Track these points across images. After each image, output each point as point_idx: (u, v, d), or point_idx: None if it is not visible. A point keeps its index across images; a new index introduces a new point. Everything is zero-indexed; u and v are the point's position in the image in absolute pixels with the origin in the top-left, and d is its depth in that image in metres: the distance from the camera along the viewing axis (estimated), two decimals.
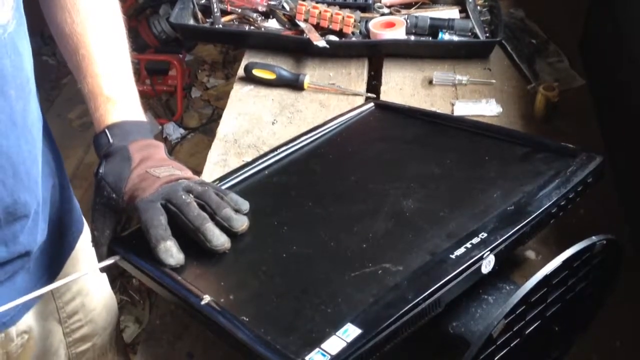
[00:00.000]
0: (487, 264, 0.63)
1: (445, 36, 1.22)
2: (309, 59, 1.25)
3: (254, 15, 1.30)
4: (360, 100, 1.15)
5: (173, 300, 0.68)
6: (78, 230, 0.94)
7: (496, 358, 0.59)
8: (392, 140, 0.94)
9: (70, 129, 2.56)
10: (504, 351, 0.60)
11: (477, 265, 0.63)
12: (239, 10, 1.30)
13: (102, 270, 0.76)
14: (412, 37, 1.24)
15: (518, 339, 0.60)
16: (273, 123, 1.12)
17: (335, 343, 0.56)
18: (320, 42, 1.20)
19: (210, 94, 2.74)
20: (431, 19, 1.24)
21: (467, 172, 0.81)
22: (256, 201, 0.77)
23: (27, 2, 0.71)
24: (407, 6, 1.31)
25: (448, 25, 1.23)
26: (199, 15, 1.31)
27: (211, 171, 1.02)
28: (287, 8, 1.29)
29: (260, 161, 0.90)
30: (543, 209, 0.69)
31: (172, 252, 0.69)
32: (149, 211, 0.70)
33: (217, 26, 1.29)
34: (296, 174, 0.89)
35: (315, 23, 1.24)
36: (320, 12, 1.24)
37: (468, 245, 0.64)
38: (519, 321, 0.59)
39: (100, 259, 0.76)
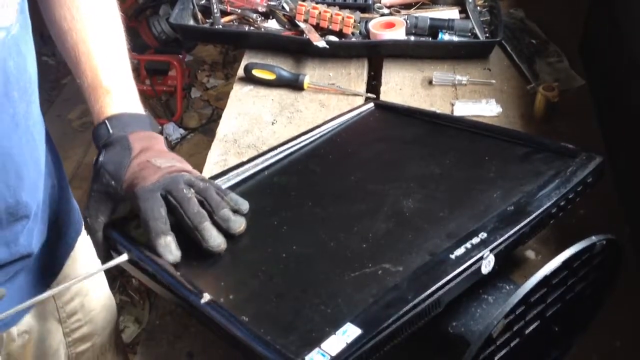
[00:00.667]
0: (487, 264, 0.63)
1: (445, 36, 1.22)
2: (308, 59, 1.25)
3: (254, 15, 1.30)
4: (360, 100, 1.15)
5: (173, 299, 0.68)
6: (77, 231, 0.94)
7: (496, 358, 0.59)
8: (392, 141, 0.94)
9: (70, 129, 2.56)
10: (504, 351, 0.60)
11: (477, 266, 0.63)
12: (239, 11, 1.30)
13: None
14: (412, 38, 1.24)
15: (518, 339, 0.60)
16: (273, 123, 1.12)
17: (335, 343, 0.56)
18: (320, 43, 1.20)
19: (210, 94, 2.75)
20: (431, 19, 1.24)
21: (467, 172, 0.81)
22: (256, 201, 0.77)
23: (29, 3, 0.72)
24: (407, 6, 1.31)
25: (448, 25, 1.23)
26: (199, 15, 1.31)
27: (211, 171, 1.02)
28: (287, 8, 1.29)
29: (259, 160, 0.90)
30: (543, 209, 0.69)
31: (171, 248, 0.69)
32: (149, 200, 0.70)
33: (217, 26, 1.29)
34: (296, 174, 0.89)
35: (315, 23, 1.24)
36: (320, 13, 1.24)
37: (468, 245, 0.64)
38: (519, 321, 0.59)
39: (97, 246, 0.76)
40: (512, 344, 0.60)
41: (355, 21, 1.23)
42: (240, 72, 1.23)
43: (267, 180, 0.87)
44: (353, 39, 1.24)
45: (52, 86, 2.80)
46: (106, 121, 0.78)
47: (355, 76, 1.21)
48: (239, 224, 0.72)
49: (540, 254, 0.84)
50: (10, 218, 0.74)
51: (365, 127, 0.99)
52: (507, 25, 1.27)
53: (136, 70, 2.42)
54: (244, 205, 0.75)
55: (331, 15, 1.23)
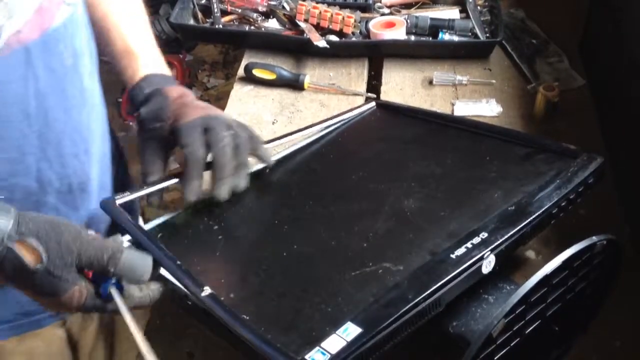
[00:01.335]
0: (488, 264, 0.63)
1: (445, 36, 1.22)
2: (309, 59, 1.25)
3: (254, 15, 1.30)
4: (360, 100, 1.15)
5: (174, 298, 0.68)
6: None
7: (496, 357, 0.59)
8: (393, 140, 0.94)
9: None
10: (504, 351, 0.60)
11: (477, 265, 0.63)
12: (239, 10, 1.30)
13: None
14: (412, 37, 1.24)
15: (518, 339, 0.60)
16: (273, 123, 1.12)
17: (335, 342, 0.56)
18: (321, 42, 1.20)
19: (211, 94, 2.74)
20: (431, 19, 1.24)
21: (468, 172, 0.81)
22: (257, 200, 0.77)
23: None
24: (408, 6, 1.32)
25: (448, 25, 1.23)
26: (199, 15, 1.31)
27: None
28: (287, 8, 1.29)
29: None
30: (544, 209, 0.69)
31: (196, 192, 0.74)
32: (190, 136, 0.74)
33: (217, 26, 1.29)
34: (297, 173, 0.89)
35: (315, 23, 1.24)
36: (320, 12, 1.24)
37: (468, 245, 0.64)
38: (519, 321, 0.59)
39: (152, 192, 0.78)
40: (512, 344, 0.60)
41: (355, 21, 1.23)
42: (241, 72, 1.23)
43: (268, 179, 0.87)
44: (353, 39, 1.24)
45: None
46: (140, 82, 0.82)
47: (355, 76, 1.22)
48: (244, 184, 0.76)
49: (541, 254, 0.84)
50: (81, 193, 0.78)
51: (366, 127, 0.99)
52: (508, 25, 1.27)
53: None
54: (270, 161, 0.81)
55: (331, 15, 1.23)
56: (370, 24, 1.24)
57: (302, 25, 1.25)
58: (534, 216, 0.68)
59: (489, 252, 0.63)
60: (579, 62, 1.19)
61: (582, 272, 0.64)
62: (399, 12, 1.29)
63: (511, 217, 0.68)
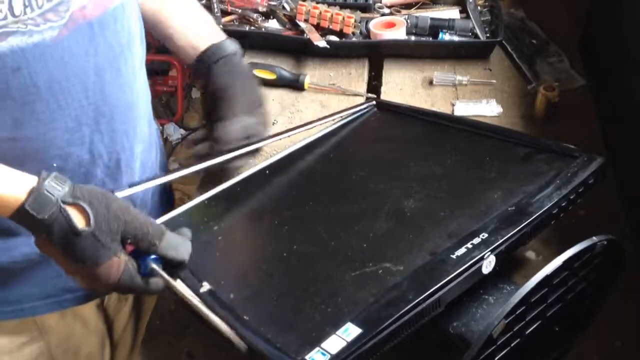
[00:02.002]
0: (488, 264, 0.63)
1: (445, 36, 1.22)
2: (309, 59, 1.25)
3: (255, 15, 1.30)
4: (360, 100, 1.15)
5: (174, 298, 0.68)
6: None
7: (496, 358, 0.59)
8: (393, 140, 0.94)
9: None
10: (504, 351, 0.59)
11: (477, 266, 0.63)
12: (240, 11, 1.30)
13: None
14: (413, 37, 1.24)
15: (518, 339, 0.60)
16: (274, 123, 1.12)
17: (335, 342, 0.56)
18: (321, 43, 1.20)
19: None
20: (431, 19, 1.24)
21: (468, 172, 0.81)
22: (257, 201, 0.77)
23: None
24: (408, 6, 1.31)
25: (448, 25, 1.23)
26: None
27: None
28: (288, 8, 1.28)
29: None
30: (544, 209, 0.69)
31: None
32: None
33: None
34: (297, 173, 0.89)
35: (315, 23, 1.24)
36: (320, 13, 1.24)
37: (469, 245, 0.64)
38: (519, 321, 0.59)
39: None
40: (512, 344, 0.60)
41: (355, 21, 1.23)
42: None
43: (268, 179, 0.87)
44: (353, 39, 1.24)
45: None
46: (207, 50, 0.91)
47: (355, 76, 1.21)
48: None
49: (541, 255, 0.84)
50: (126, 169, 0.82)
51: (366, 127, 0.98)
52: (508, 25, 1.27)
53: None
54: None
55: (332, 15, 1.23)
56: (371, 24, 1.23)
57: (302, 25, 1.25)
58: (534, 216, 0.68)
59: (489, 253, 0.63)
60: (579, 62, 1.19)
61: (582, 272, 0.64)
62: (399, 12, 1.29)
63: (511, 217, 0.68)
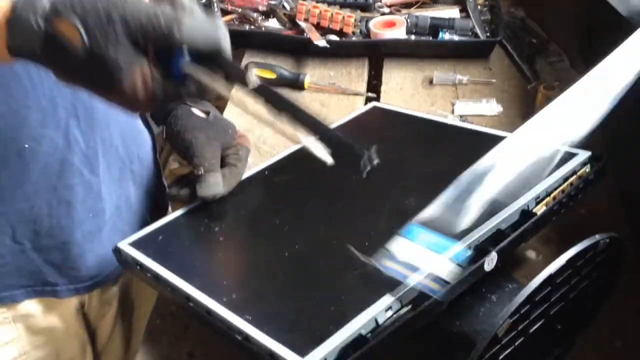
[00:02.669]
0: (490, 262, 0.63)
1: (445, 36, 1.22)
2: (309, 58, 1.25)
3: (255, 14, 1.29)
4: (360, 99, 1.15)
5: (176, 299, 0.68)
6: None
7: (501, 357, 0.59)
8: (394, 139, 0.94)
9: None
10: (508, 350, 0.59)
11: (479, 263, 0.63)
12: (239, 10, 1.30)
13: None
14: (413, 37, 1.24)
15: (522, 338, 0.60)
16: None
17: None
18: (321, 42, 1.20)
19: None
20: (431, 18, 1.24)
21: None
22: (257, 201, 0.77)
23: None
24: (408, 6, 1.31)
25: (448, 24, 1.23)
26: None
27: None
28: (288, 8, 1.28)
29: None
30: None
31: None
32: None
33: None
34: (297, 173, 0.88)
35: (315, 22, 1.24)
36: (320, 12, 1.24)
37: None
38: (524, 320, 0.59)
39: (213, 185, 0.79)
40: (516, 343, 0.60)
41: (355, 20, 1.23)
42: None
43: (268, 179, 0.87)
44: (353, 38, 1.24)
45: None
46: None
47: (355, 75, 1.21)
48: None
49: (541, 254, 0.84)
50: (106, 161, 0.81)
51: (366, 127, 0.98)
52: (508, 24, 1.27)
53: None
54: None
55: (332, 15, 1.23)
56: (371, 24, 1.23)
57: (302, 24, 1.25)
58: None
59: (491, 249, 0.63)
60: (579, 62, 1.19)
61: (585, 270, 0.64)
62: (399, 11, 1.29)
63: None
